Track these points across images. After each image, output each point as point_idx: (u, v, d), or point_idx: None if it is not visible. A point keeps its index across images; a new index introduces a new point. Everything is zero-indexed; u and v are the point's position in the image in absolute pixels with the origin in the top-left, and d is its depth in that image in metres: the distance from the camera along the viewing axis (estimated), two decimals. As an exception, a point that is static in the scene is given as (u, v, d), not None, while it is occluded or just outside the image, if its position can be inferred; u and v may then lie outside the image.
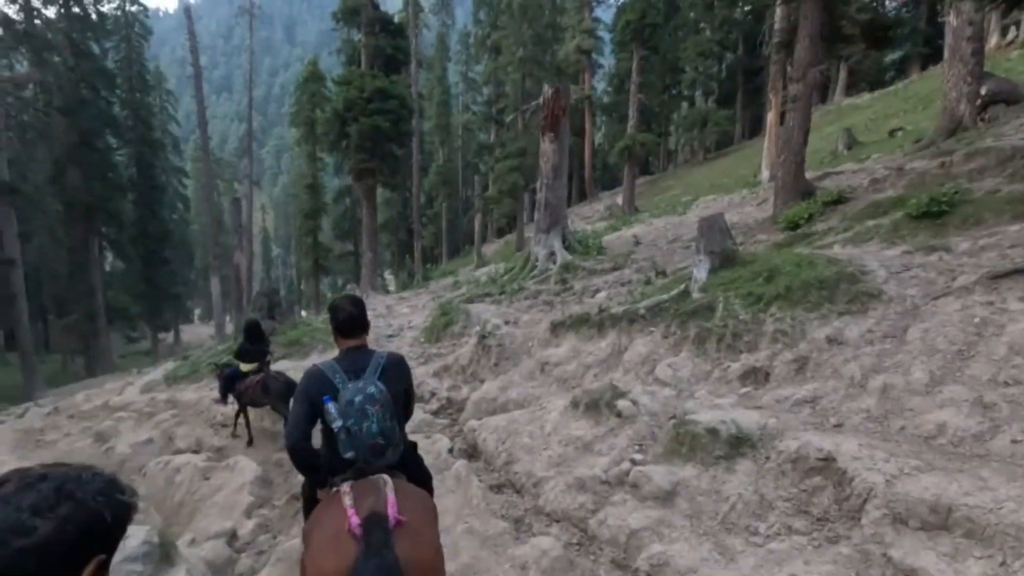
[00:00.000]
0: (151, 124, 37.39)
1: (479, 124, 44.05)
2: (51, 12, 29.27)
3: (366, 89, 16.34)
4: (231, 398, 6.23)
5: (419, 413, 5.56)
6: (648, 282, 6.91)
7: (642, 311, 5.28)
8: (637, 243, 10.99)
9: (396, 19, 20.05)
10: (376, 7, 17.85)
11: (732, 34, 39.75)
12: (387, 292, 22.50)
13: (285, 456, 5.48)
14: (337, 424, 1.94)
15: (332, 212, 41.13)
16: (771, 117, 16.69)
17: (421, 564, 1.74)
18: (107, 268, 37.92)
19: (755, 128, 43.05)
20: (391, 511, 1.78)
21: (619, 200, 38.57)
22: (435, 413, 5.57)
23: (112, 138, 32.62)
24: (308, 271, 44.25)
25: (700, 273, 5.32)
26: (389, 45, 17.84)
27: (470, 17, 55.43)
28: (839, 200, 7.56)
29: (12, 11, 26.55)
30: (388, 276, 41.21)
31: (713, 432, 3.09)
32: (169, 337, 43.52)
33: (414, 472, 2.26)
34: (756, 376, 3.97)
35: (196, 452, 6.19)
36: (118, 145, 33.74)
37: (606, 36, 43.39)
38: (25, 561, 0.78)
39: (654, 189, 41.26)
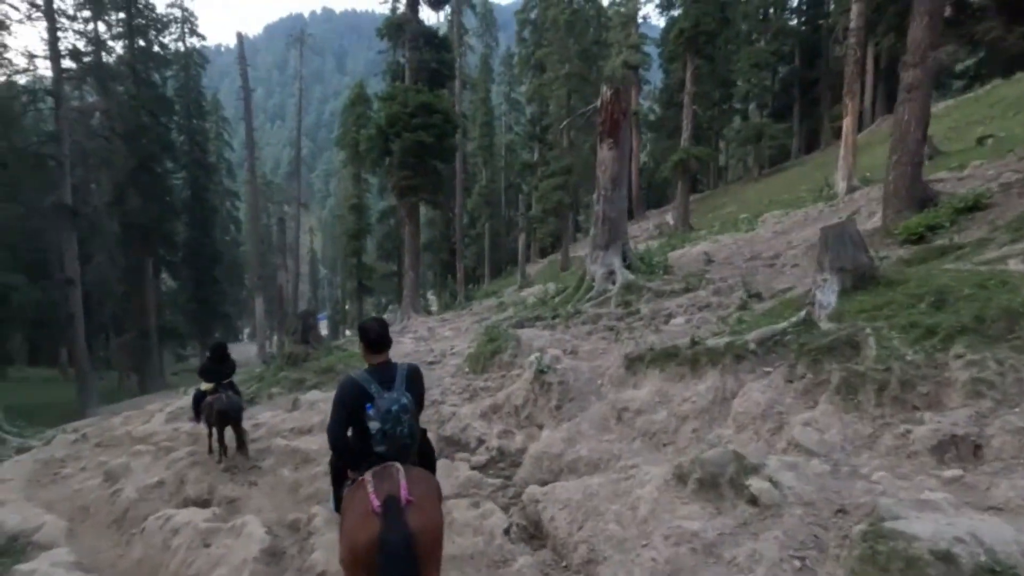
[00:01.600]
0: (206, 148, 38.65)
1: (522, 143, 43.55)
2: (117, 45, 30.68)
3: (409, 104, 15.84)
4: (203, 418, 6.37)
5: (464, 469, 4.49)
6: (744, 306, 5.68)
7: (751, 345, 4.07)
8: (709, 261, 9.68)
9: (440, 34, 19.61)
10: (420, 22, 17.48)
11: (787, 44, 37.98)
12: (429, 313, 21.73)
13: (302, 516, 4.58)
14: (375, 426, 2.38)
15: (376, 233, 41.27)
16: (848, 123, 15.10)
17: (427, 531, 2.23)
18: (163, 288, 39.09)
19: (812, 143, 40.72)
20: (403, 493, 2.23)
21: (669, 218, 36.97)
22: (483, 468, 4.47)
23: (169, 162, 33.75)
24: (352, 292, 44.53)
25: (827, 296, 4.10)
26: (434, 59, 17.39)
27: (514, 39, 55.73)
28: (975, 207, 6.16)
29: (82, 44, 27.87)
30: (431, 296, 40.80)
31: (948, 559, 1.86)
32: (218, 355, 44.31)
33: (423, 453, 2.75)
34: (960, 449, 2.70)
35: (205, 503, 5.30)
36: (174, 169, 34.89)
37: (652, 51, 42.44)
38: None
39: (705, 207, 39.38)
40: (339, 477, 2.77)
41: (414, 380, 2.63)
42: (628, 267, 9.30)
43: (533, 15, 39.27)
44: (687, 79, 22.29)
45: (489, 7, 53.38)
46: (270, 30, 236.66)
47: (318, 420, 6.71)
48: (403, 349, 12.25)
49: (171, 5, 34.78)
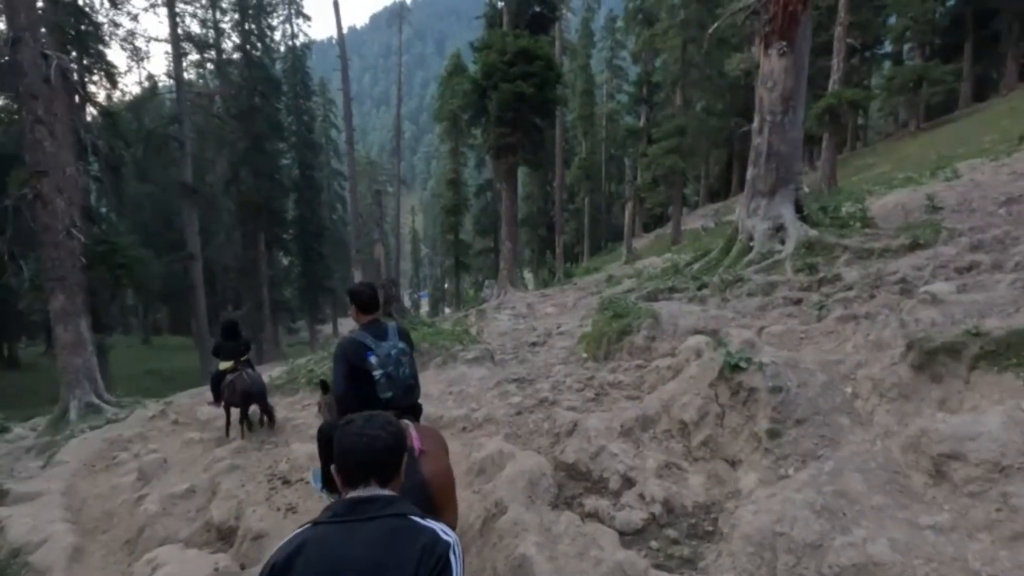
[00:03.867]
0: (312, 128, 39.66)
1: (628, 109, 40.11)
2: (230, 28, 31.74)
3: (508, 51, 13.93)
4: (224, 399, 6.01)
5: (607, 538, 2.50)
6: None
7: None
8: (935, 208, 6.77)
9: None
10: (519, -42, 15.39)
11: (959, -32, 30.95)
12: (526, 289, 19.98)
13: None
14: (378, 372, 2.53)
15: (473, 208, 40.34)
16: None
17: (439, 477, 2.30)
18: (284, 263, 41.14)
19: (983, 89, 33.22)
20: (416, 443, 2.29)
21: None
22: (640, 537, 2.49)
23: (278, 142, 34.85)
24: (450, 269, 44.26)
25: None
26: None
27: (617, 2, 51.65)
28: None
29: (198, 28, 28.98)
30: (527, 275, 39.26)
31: None
32: (327, 329, 46.31)
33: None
34: None
35: (227, 534, 3.82)
36: (283, 149, 36.05)
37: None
38: None
39: (847, 170, 33.78)
40: (330, 449, 2.46)
41: (405, 336, 2.78)
42: (804, 219, 6.71)
43: (642, -38, 35.40)
44: (840, 5, 18.16)
45: (591, -36, 49.75)
46: (375, 20, 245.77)
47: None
48: (499, 327, 10.48)
49: (279, -12, 35.55)
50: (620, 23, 49.23)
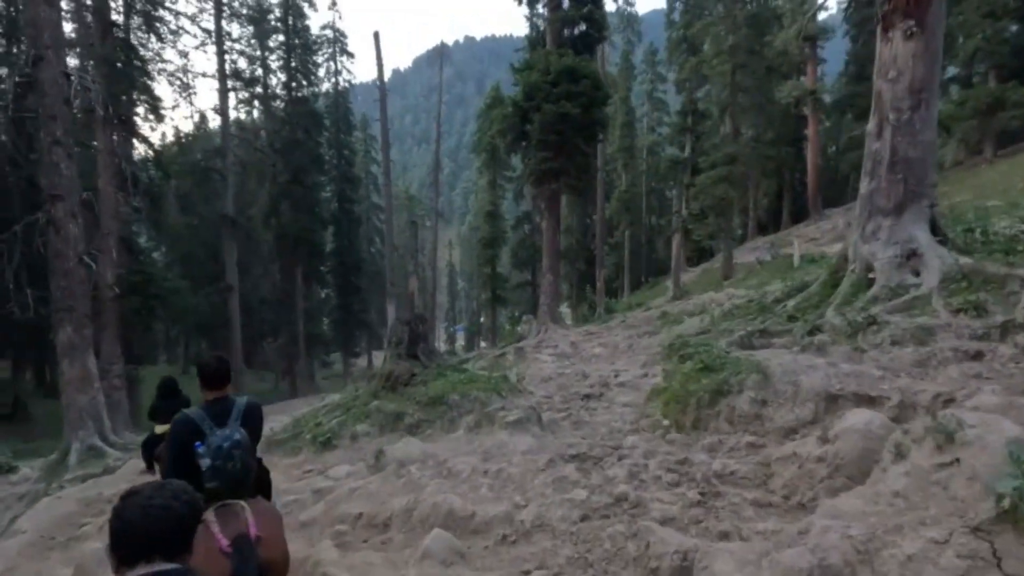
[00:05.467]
0: (352, 162, 40.01)
1: (671, 138, 38.96)
2: (275, 64, 32.52)
3: (551, 69, 13.01)
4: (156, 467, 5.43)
5: None
6: None
7: None
8: None
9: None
10: (563, -28, 14.59)
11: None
12: (567, 325, 18.52)
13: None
14: (206, 463, 2.33)
15: (511, 241, 39.49)
16: None
17: (277, 562, 2.28)
18: (320, 296, 41.06)
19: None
20: (252, 530, 2.21)
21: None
22: None
23: (319, 175, 35.11)
24: (487, 303, 43.25)
25: None
26: (580, 16, 14.41)
27: (656, 35, 51.35)
28: None
29: (244, 64, 29.68)
30: (564, 309, 37.76)
31: None
32: (361, 362, 45.70)
33: (260, 482, 2.74)
34: None
35: None
36: (323, 182, 36.31)
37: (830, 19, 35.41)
38: None
39: (915, 199, 30.95)
40: None
41: (250, 417, 2.62)
42: (941, 242, 5.16)
43: (685, -8, 34.85)
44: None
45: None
46: (417, 62, 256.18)
47: (402, 504, 3.67)
48: (542, 370, 9.05)
49: (324, 27, 36.56)
50: (661, 56, 48.82)
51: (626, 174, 48.91)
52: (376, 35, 22.68)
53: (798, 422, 3.51)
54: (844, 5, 31.54)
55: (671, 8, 36.60)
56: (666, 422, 4.33)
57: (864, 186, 5.78)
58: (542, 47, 14.84)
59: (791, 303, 6.17)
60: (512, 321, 45.53)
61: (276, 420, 12.56)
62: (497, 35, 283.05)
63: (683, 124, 38.53)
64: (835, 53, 38.81)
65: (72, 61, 19.09)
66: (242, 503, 2.32)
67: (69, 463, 9.54)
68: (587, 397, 6.20)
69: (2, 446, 11.64)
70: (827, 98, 38.36)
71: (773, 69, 32.48)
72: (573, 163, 13.77)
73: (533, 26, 17.30)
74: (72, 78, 9.22)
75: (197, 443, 2.37)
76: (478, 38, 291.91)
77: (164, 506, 1.35)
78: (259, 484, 2.73)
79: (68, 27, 21.68)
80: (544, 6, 15.32)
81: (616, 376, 6.72)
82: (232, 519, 2.23)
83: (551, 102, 12.84)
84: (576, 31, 14.79)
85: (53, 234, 9.21)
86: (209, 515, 2.21)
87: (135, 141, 20.26)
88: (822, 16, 34.21)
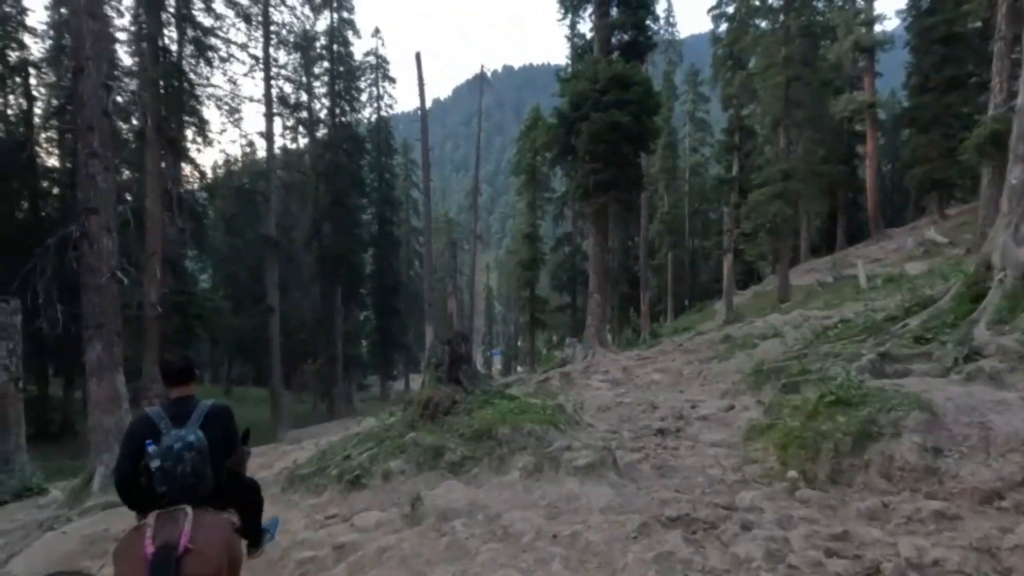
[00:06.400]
0: (393, 185, 40.30)
1: (718, 156, 37.76)
2: (319, 90, 33.21)
3: (600, 77, 12.28)
4: None
5: None
6: None
7: None
8: None
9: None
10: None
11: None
12: (616, 349, 17.37)
13: None
14: (155, 464, 2.18)
15: (550, 263, 38.67)
16: None
17: None
18: (359, 318, 41.10)
19: None
20: (182, 540, 2.05)
21: (933, 234, 27.91)
22: None
23: (360, 198, 35.39)
24: (525, 326, 42.35)
25: None
26: (628, 22, 13.70)
27: (696, 59, 50.62)
28: None
29: (290, 89, 30.33)
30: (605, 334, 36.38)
31: None
32: (397, 385, 45.29)
33: (242, 502, 2.62)
34: None
35: None
36: (364, 205, 36.57)
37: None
38: None
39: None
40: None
41: (213, 421, 2.40)
42: None
43: (730, 8, 33.96)
44: (1000, 18, 15.17)
45: (671, 17, 49.32)
46: (457, 91, 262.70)
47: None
48: (597, 398, 8.02)
49: (367, 54, 37.36)
50: (703, 76, 47.99)
51: (668, 195, 47.81)
52: (418, 55, 22.63)
53: (1003, 482, 2.44)
54: (904, 15, 29.92)
55: (716, 25, 35.78)
56: (793, 473, 3.28)
57: (1012, 175, 4.65)
58: (589, 55, 14.19)
59: (914, 322, 5.02)
60: (550, 345, 44.41)
61: (309, 445, 11.80)
62: (535, 63, 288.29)
63: (730, 142, 37.25)
64: (887, 67, 37.03)
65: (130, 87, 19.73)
66: (187, 510, 2.18)
67: (93, 488, 9.03)
68: (661, 433, 5.16)
69: (36, 466, 11.31)
70: (880, 113, 36.47)
71: (826, 83, 31.05)
72: (623, 175, 12.87)
73: (574, 47, 16.80)
74: (112, 89, 9.00)
75: (148, 441, 2.22)
76: (516, 67, 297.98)
77: None
78: (241, 501, 2.60)
79: (127, 58, 22.48)
80: (591, 15, 14.70)
81: (693, 408, 5.67)
82: (169, 526, 2.11)
83: (600, 110, 12.07)
84: (624, 39, 14.07)
85: (86, 248, 8.89)
86: (150, 518, 2.15)
87: (183, 164, 20.60)
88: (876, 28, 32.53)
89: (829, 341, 5.97)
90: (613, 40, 14.22)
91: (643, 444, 4.69)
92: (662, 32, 50.48)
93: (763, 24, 27.71)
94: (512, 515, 3.22)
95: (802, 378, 4.29)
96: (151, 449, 2.20)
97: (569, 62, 29.67)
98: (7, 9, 24.86)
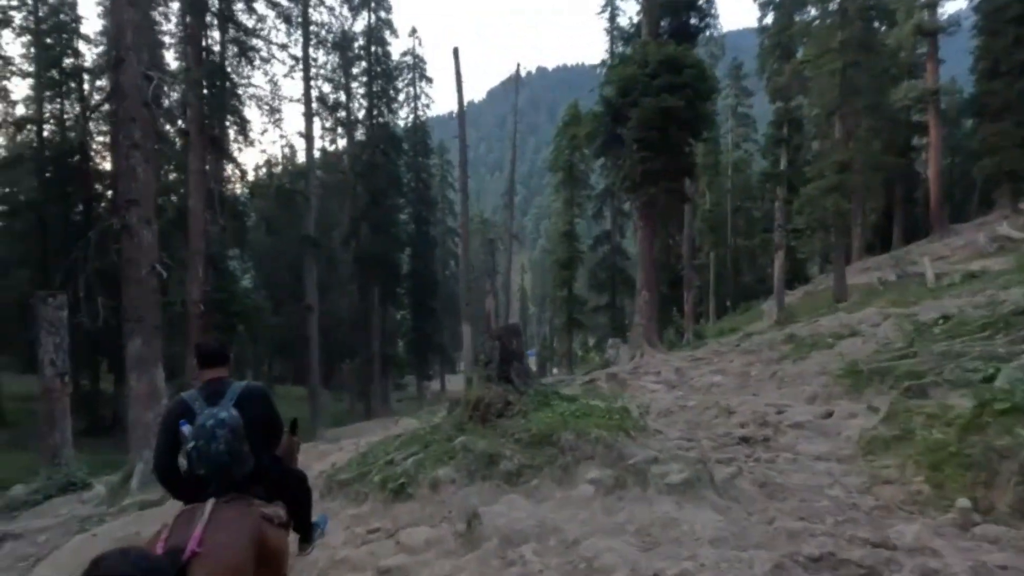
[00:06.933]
0: (429, 184, 40.24)
1: (766, 150, 36.23)
2: (357, 90, 33.38)
3: (649, 60, 11.54)
4: None
5: None
6: None
7: None
8: None
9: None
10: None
11: None
12: (666, 350, 16.50)
13: None
14: (190, 444, 2.11)
15: (588, 262, 37.81)
16: None
17: None
18: (396, 318, 41.25)
19: None
20: (191, 544, 1.88)
21: (1006, 229, 25.93)
22: None
23: (397, 197, 35.41)
24: (561, 327, 41.65)
25: None
26: (683, 1, 12.87)
27: (738, 54, 48.93)
28: None
29: (328, 88, 30.56)
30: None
31: None
32: (433, 385, 45.24)
33: (281, 480, 2.46)
34: None
35: None
36: (401, 204, 36.60)
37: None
38: None
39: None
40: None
41: (247, 400, 2.30)
42: None
43: (778, -4, 32.46)
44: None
45: (713, 10, 47.76)
46: (492, 94, 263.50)
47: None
48: (657, 402, 7.34)
49: (404, 54, 37.38)
50: (746, 69, 46.33)
51: (710, 193, 46.33)
52: (455, 50, 22.31)
53: None
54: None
55: (764, 13, 34.29)
56: (965, 502, 2.56)
57: None
58: (636, 40, 13.43)
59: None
60: (585, 347, 43.49)
61: (348, 445, 11.42)
62: (569, 64, 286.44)
63: (778, 135, 35.61)
64: (951, 53, 34.72)
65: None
66: (206, 508, 2.03)
67: (132, 486, 8.88)
68: (746, 442, 4.47)
69: (83, 461, 11.35)
70: (945, 99, 34.19)
71: (885, 70, 29.24)
72: (674, 163, 12.09)
73: (613, 39, 16.11)
74: (152, 80, 8.85)
75: (182, 421, 2.18)
76: (550, 68, 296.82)
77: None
78: (288, 492, 2.48)
79: (173, 62, 22.95)
80: (638, -1, 14.01)
81: (779, 413, 4.93)
82: (184, 527, 1.99)
83: (651, 95, 11.33)
84: (674, 20, 13.28)
85: (127, 240, 8.76)
86: (172, 516, 2.09)
87: (225, 163, 20.82)
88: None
89: (936, 339, 5.13)
90: (662, 24, 13.45)
91: (731, 456, 4.01)
92: (708, 23, 49.09)
93: (813, 11, 26.22)
94: (595, 543, 2.62)
95: (926, 380, 3.54)
96: (185, 429, 2.14)
97: (608, 55, 28.79)
98: (63, 17, 25.81)
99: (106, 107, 20.72)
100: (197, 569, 1.84)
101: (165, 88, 10.04)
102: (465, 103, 23.37)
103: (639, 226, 13.87)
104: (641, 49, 12.16)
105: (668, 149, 11.85)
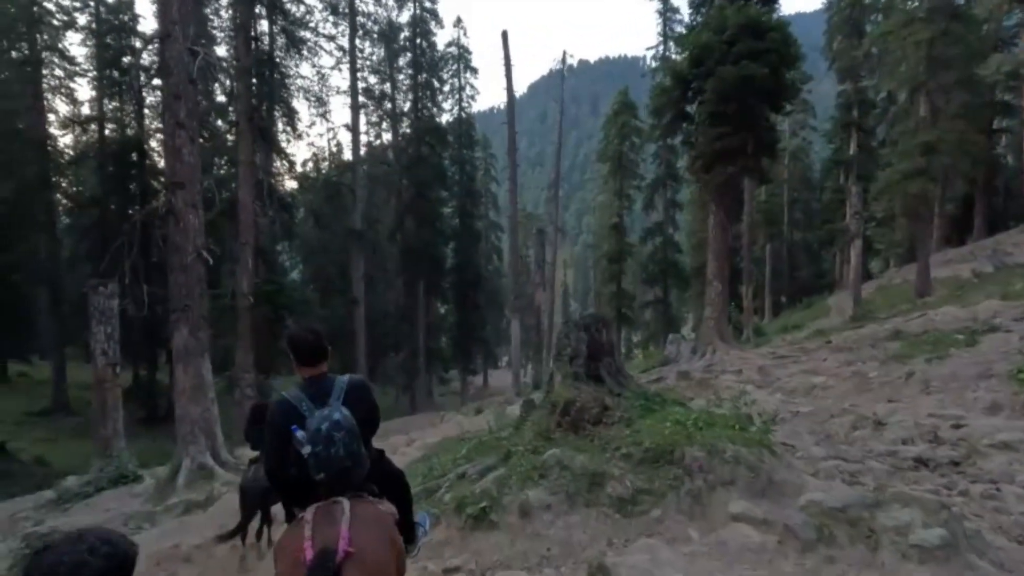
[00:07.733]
0: (474, 177, 39.65)
1: (833, 134, 33.93)
2: (402, 82, 33.04)
3: (728, 25, 10.32)
4: None
5: None
6: None
7: None
8: None
9: None
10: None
11: None
12: (741, 347, 15.18)
13: None
14: (307, 450, 2.02)
15: (638, 255, 36.35)
16: None
17: None
18: (440, 311, 41.01)
19: None
20: (341, 544, 1.84)
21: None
22: None
23: (441, 190, 34.98)
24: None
25: None
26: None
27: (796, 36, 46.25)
28: None
29: (374, 80, 30.27)
30: (685, 332, 33.60)
31: None
32: (477, 380, 44.79)
33: (382, 478, 2.33)
34: None
35: None
36: (446, 198, 36.16)
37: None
38: None
39: None
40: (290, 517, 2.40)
41: (353, 395, 2.23)
42: None
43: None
44: None
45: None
46: (533, 89, 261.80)
47: None
48: (755, 406, 6.23)
49: (449, 44, 36.83)
50: (805, 50, 43.63)
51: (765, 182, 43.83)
52: (504, 33, 21.47)
53: None
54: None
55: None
56: None
57: None
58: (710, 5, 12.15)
59: None
60: (629, 344, 41.99)
61: (399, 442, 10.69)
62: (611, 56, 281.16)
63: (847, 118, 33.24)
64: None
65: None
66: (344, 505, 1.92)
67: (177, 483, 8.45)
68: (925, 465, 3.40)
69: (135, 452, 11.15)
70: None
71: (977, 40, 26.53)
72: (757, 139, 10.82)
73: (666, 20, 14.82)
74: (198, 55, 8.37)
75: (294, 427, 2.04)
76: (592, 61, 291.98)
77: (77, 563, 1.19)
78: (391, 489, 2.35)
79: (223, 52, 23.00)
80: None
81: (957, 428, 3.82)
82: (328, 525, 1.88)
83: (728, 63, 10.12)
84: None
85: (173, 225, 8.32)
86: (308, 513, 1.96)
87: (274, 155, 20.70)
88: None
89: None
90: (736, -13, 12.18)
91: (924, 486, 2.98)
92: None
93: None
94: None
95: None
96: (299, 435, 2.03)
97: (660, 38, 27.20)
98: (122, 17, 26.44)
99: (156, 87, 20.88)
100: (351, 570, 1.78)
101: (212, 68, 9.59)
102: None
103: (712, 211, 12.62)
104: (718, 13, 10.94)
105: (748, 124, 10.59)
